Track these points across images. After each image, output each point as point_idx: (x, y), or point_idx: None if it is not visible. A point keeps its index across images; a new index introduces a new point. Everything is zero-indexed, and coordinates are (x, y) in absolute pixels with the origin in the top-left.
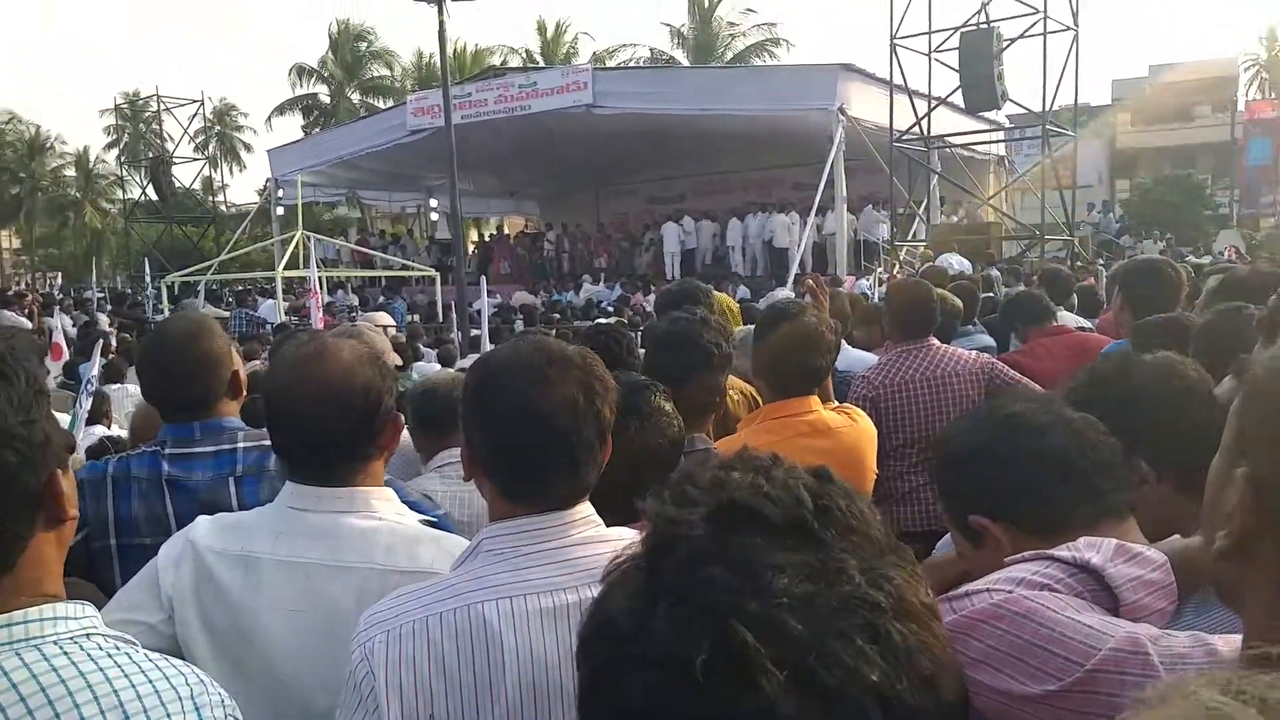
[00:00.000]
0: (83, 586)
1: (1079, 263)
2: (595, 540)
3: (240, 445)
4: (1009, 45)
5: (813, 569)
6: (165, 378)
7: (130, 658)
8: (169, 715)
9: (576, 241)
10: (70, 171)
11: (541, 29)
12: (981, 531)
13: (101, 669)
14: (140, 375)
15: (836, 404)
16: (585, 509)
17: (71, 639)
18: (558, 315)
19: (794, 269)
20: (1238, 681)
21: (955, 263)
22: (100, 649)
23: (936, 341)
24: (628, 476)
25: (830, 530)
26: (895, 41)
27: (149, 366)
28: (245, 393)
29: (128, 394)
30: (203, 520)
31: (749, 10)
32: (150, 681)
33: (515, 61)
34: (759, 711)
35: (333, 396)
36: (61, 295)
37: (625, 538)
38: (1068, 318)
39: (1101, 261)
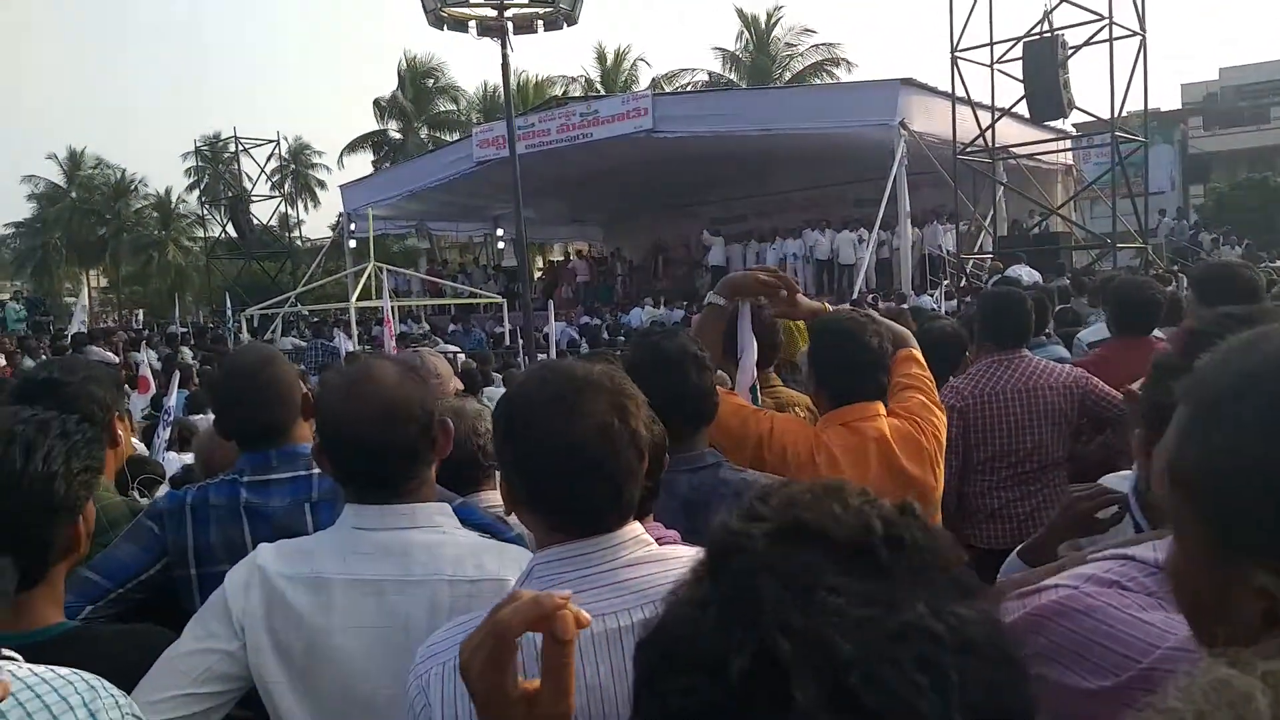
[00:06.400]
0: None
1: (1153, 271)
2: (646, 560)
3: (316, 471)
4: (1074, 53)
5: (872, 597)
6: (239, 407)
7: (14, 675)
8: None
9: (637, 267)
10: (153, 212)
11: (601, 57)
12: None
13: None
14: (214, 408)
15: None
16: (634, 529)
17: None
18: (622, 337)
19: (859, 285)
20: (1247, 656)
21: (1025, 274)
22: None
23: (1029, 353)
24: None
25: (901, 563)
26: (956, 54)
27: (223, 398)
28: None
29: (210, 423)
30: (266, 546)
31: (807, 31)
32: (39, 696)
33: (576, 91)
34: None
35: (393, 412)
36: (147, 331)
37: (680, 555)
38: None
39: (1177, 268)
